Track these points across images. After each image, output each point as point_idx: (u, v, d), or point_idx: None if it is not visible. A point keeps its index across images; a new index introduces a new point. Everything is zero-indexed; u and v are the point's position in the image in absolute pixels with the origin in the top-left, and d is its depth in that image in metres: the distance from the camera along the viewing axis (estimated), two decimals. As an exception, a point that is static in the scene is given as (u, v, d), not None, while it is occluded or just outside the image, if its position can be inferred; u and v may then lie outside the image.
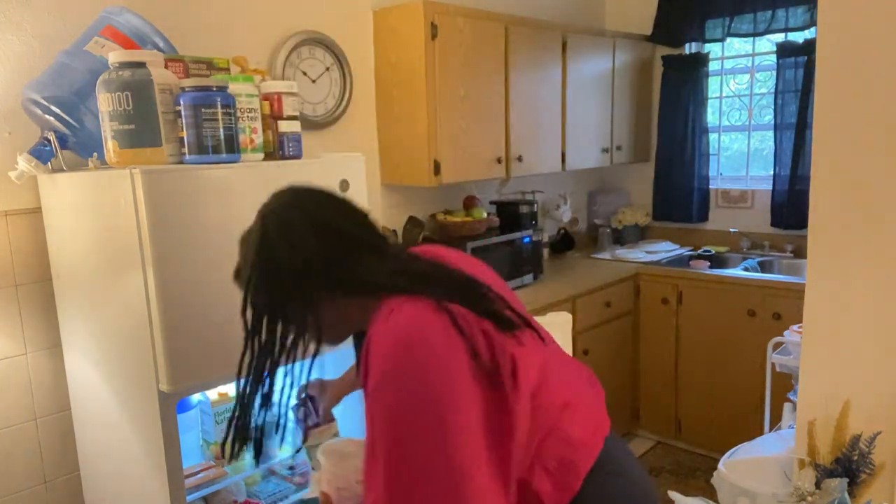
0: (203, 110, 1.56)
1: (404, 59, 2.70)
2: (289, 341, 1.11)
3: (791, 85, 3.40)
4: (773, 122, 3.51)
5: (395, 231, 2.88)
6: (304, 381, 1.31)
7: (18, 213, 1.89)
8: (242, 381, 1.15)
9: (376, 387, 0.99)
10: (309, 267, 1.07)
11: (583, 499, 1.08)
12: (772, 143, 3.54)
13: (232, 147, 1.62)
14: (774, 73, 3.48)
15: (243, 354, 1.13)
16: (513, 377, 1.02)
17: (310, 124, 2.60)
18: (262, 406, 1.16)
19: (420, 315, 1.02)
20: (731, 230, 3.75)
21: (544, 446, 1.08)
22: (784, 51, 3.41)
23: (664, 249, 3.80)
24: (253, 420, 1.16)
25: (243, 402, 1.15)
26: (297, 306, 1.09)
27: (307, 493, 1.97)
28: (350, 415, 1.80)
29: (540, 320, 2.07)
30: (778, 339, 2.30)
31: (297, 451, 1.95)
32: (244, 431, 1.17)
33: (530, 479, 1.06)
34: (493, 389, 1.01)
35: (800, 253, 3.49)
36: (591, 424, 1.16)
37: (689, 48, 3.86)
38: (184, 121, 1.56)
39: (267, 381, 1.13)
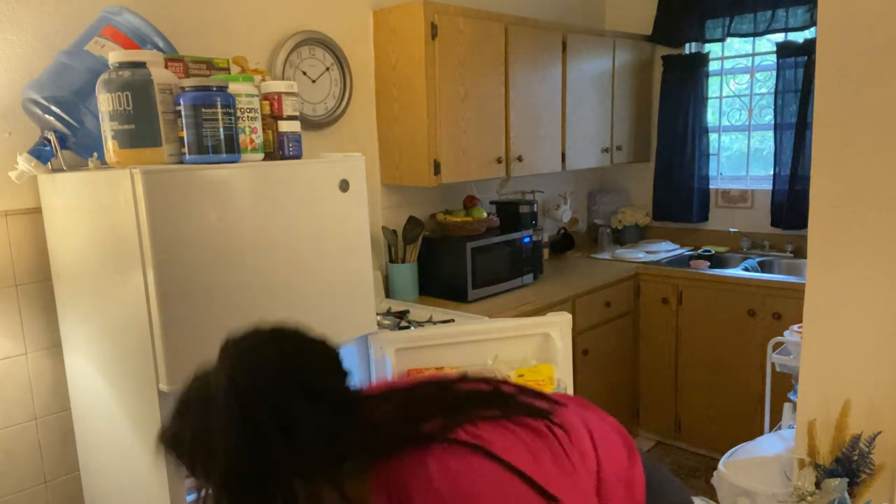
0: (203, 110, 1.55)
1: (404, 59, 2.70)
2: None
3: (791, 85, 3.39)
4: (773, 122, 3.50)
5: (394, 231, 2.88)
6: None
7: (18, 213, 1.89)
8: None
9: None
10: None
11: None
12: (772, 143, 3.54)
13: (232, 147, 1.62)
14: (774, 73, 3.48)
15: None
16: (571, 443, 1.07)
17: (310, 124, 2.60)
18: None
19: (463, 474, 0.95)
20: (731, 230, 3.75)
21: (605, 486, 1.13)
22: (784, 51, 3.40)
23: (664, 249, 3.79)
24: None
25: None
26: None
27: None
28: None
29: (540, 320, 2.07)
30: (778, 339, 2.30)
31: None
32: None
33: None
34: (566, 478, 1.03)
35: (800, 253, 3.49)
36: (623, 450, 1.20)
37: (689, 48, 3.85)
38: (184, 121, 1.56)
39: None
